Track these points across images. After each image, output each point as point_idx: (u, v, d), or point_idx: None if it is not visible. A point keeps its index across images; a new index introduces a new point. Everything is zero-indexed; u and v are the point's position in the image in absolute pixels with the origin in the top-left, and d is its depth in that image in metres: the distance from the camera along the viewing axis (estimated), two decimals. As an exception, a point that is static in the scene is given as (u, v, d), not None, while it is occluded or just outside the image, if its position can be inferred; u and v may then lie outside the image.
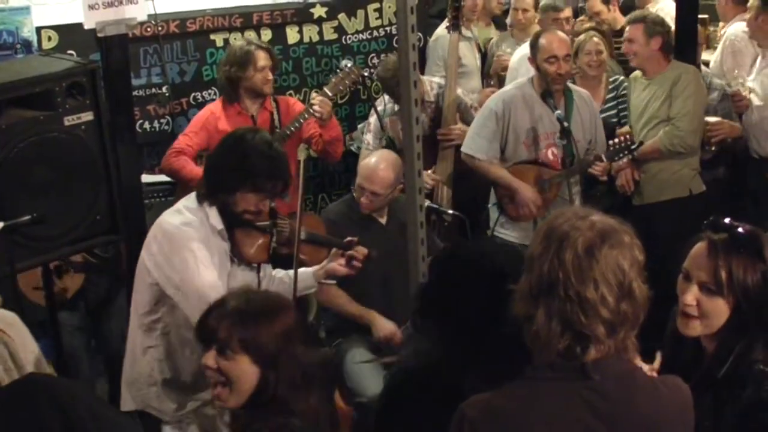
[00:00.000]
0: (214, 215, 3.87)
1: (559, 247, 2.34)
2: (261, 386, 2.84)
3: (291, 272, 4.26)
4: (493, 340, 2.58)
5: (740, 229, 2.85)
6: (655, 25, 6.07)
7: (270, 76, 5.80)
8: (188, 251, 3.79)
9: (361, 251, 4.32)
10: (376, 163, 5.05)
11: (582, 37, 6.55)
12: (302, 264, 4.26)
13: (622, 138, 5.68)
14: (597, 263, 2.31)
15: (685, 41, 6.29)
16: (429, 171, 6.00)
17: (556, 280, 2.32)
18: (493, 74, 7.41)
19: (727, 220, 2.91)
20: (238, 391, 2.86)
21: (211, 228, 3.87)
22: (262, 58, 5.75)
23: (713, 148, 6.36)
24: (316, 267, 4.34)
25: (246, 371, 2.84)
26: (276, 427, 2.81)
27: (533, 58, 5.64)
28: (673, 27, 6.39)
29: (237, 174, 3.82)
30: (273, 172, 3.88)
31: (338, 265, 4.31)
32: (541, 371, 2.40)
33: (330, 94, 5.91)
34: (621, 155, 5.60)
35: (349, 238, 4.38)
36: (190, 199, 3.96)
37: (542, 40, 5.58)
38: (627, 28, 6.21)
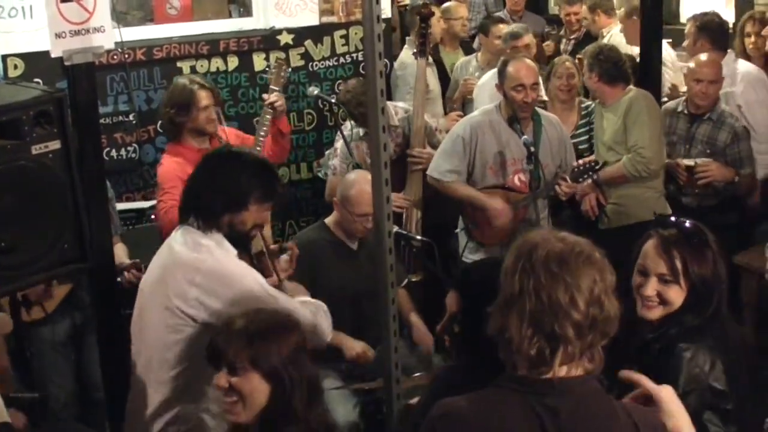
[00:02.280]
0: (224, 241, 3.72)
1: (529, 256, 2.43)
2: (273, 400, 2.98)
3: None
4: None
5: (687, 224, 3.25)
6: (592, 58, 6.23)
7: (213, 115, 5.66)
8: (249, 278, 3.67)
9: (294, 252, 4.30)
10: (365, 185, 4.89)
11: (555, 60, 6.62)
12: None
13: (586, 160, 5.74)
14: (567, 267, 2.40)
15: (648, 66, 6.36)
16: (399, 194, 6.03)
17: (527, 284, 2.41)
18: (458, 98, 7.44)
19: (672, 218, 3.33)
20: (251, 406, 2.99)
21: (231, 253, 3.74)
22: (204, 98, 5.60)
23: (696, 191, 6.10)
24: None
25: (257, 387, 2.98)
26: None
27: (500, 85, 5.68)
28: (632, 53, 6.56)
29: (243, 188, 3.72)
30: (272, 177, 3.85)
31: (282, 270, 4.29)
32: (507, 382, 2.48)
33: (278, 88, 5.88)
34: (585, 176, 5.65)
35: (272, 246, 4.39)
36: (192, 233, 3.74)
37: (510, 69, 5.60)
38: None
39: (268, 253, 4.16)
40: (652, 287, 3.18)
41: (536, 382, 2.43)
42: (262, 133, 5.76)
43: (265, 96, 5.91)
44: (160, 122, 6.59)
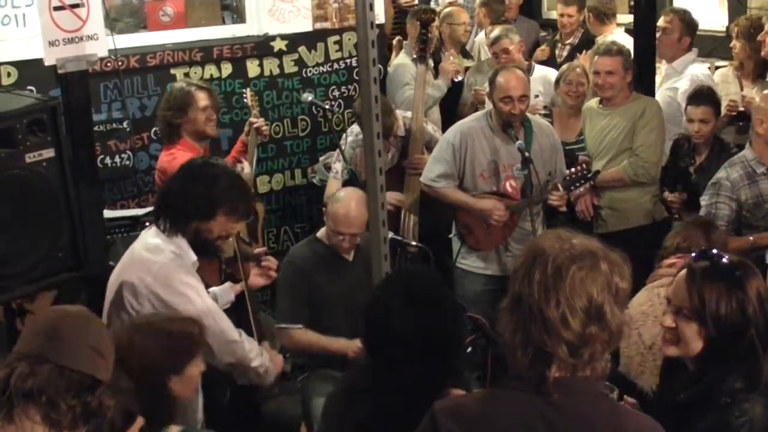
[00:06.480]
0: (186, 247, 3.83)
1: (533, 264, 2.39)
2: None
3: None
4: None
5: (723, 260, 2.99)
6: (630, 59, 6.19)
7: (213, 117, 5.73)
8: (187, 286, 3.78)
9: (271, 261, 4.47)
10: (347, 205, 4.97)
11: (565, 67, 6.60)
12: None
13: (579, 167, 5.71)
14: (563, 283, 2.34)
15: (643, 73, 6.36)
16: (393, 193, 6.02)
17: (523, 295, 2.38)
18: (470, 106, 7.35)
19: (714, 251, 3.06)
20: None
21: (188, 260, 3.84)
22: (202, 99, 5.65)
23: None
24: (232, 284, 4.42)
25: None
26: None
27: (491, 94, 5.67)
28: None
29: (212, 199, 3.80)
30: (243, 193, 3.92)
31: (256, 276, 4.45)
32: (511, 381, 2.47)
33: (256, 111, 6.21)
34: (578, 184, 5.64)
35: (258, 250, 4.60)
36: (153, 235, 3.88)
37: (500, 79, 5.56)
38: (600, 60, 6.20)
39: (241, 258, 4.20)
40: (670, 318, 2.99)
41: (535, 382, 2.40)
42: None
43: (252, 120, 6.08)
44: (154, 129, 6.59)
